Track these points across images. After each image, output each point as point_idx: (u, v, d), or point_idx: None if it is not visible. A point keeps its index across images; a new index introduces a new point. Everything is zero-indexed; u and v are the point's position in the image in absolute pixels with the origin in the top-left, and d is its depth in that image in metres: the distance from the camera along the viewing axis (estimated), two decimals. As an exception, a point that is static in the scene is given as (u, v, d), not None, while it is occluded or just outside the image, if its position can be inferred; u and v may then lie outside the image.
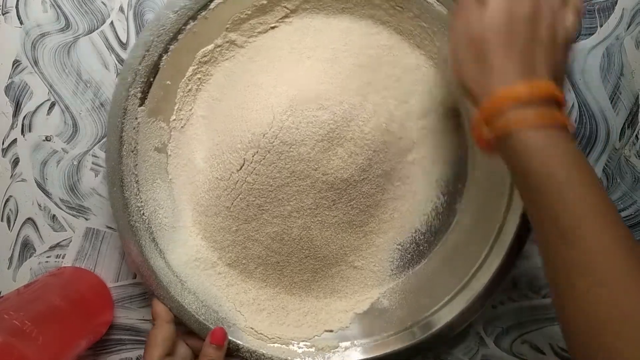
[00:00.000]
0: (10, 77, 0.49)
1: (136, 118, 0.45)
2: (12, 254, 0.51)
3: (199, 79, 0.48)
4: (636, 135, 0.49)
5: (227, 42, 0.47)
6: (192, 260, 0.48)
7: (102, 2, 0.49)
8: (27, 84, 0.49)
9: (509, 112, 0.34)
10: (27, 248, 0.51)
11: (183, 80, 0.47)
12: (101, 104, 0.50)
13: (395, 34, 0.47)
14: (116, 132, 0.44)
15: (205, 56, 0.47)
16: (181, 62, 0.46)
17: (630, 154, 0.49)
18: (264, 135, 0.44)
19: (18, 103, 0.50)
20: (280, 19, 0.47)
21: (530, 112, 0.33)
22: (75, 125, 0.50)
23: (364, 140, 0.44)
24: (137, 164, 0.45)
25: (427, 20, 0.46)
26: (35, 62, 0.49)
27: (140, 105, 0.45)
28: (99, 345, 0.51)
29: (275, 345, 0.47)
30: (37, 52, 0.49)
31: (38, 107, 0.50)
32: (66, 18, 0.49)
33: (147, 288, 0.46)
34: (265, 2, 0.46)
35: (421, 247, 0.50)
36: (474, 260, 0.46)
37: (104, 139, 0.50)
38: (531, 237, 0.45)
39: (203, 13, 0.44)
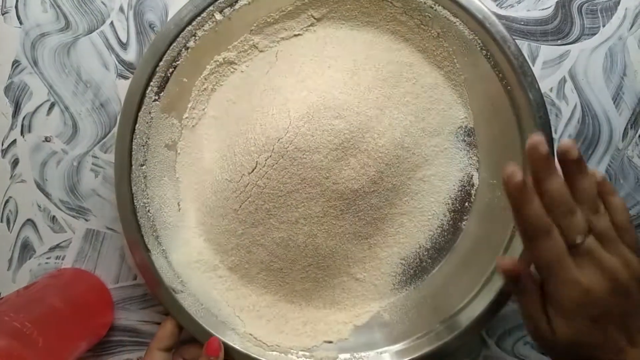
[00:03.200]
0: (9, 78, 0.49)
1: (150, 112, 0.44)
2: (11, 256, 0.50)
3: (215, 78, 0.48)
4: (639, 136, 0.49)
5: (249, 44, 0.47)
6: (194, 261, 0.47)
7: (102, 2, 0.49)
8: (26, 85, 0.49)
9: None
10: (26, 249, 0.50)
11: (199, 78, 0.47)
12: (101, 105, 0.49)
13: (417, 51, 0.48)
14: (129, 124, 0.44)
15: (224, 57, 0.47)
16: (200, 60, 0.46)
17: (633, 155, 0.49)
18: (279, 140, 0.44)
19: (17, 103, 0.49)
20: (306, 27, 0.47)
21: None
22: (75, 126, 0.49)
23: (378, 153, 0.45)
24: (146, 159, 0.45)
25: (448, 39, 0.46)
26: (35, 63, 0.49)
27: (155, 100, 0.45)
28: (99, 346, 0.50)
29: (274, 353, 0.46)
30: (37, 52, 0.49)
31: (38, 107, 0.49)
32: (66, 18, 0.49)
33: (148, 286, 0.45)
34: (291, 8, 0.46)
35: (424, 263, 0.49)
36: (475, 281, 0.46)
37: (104, 140, 0.49)
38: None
39: (227, 12, 0.44)
